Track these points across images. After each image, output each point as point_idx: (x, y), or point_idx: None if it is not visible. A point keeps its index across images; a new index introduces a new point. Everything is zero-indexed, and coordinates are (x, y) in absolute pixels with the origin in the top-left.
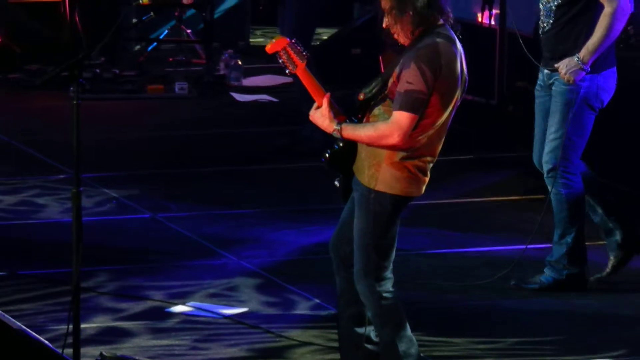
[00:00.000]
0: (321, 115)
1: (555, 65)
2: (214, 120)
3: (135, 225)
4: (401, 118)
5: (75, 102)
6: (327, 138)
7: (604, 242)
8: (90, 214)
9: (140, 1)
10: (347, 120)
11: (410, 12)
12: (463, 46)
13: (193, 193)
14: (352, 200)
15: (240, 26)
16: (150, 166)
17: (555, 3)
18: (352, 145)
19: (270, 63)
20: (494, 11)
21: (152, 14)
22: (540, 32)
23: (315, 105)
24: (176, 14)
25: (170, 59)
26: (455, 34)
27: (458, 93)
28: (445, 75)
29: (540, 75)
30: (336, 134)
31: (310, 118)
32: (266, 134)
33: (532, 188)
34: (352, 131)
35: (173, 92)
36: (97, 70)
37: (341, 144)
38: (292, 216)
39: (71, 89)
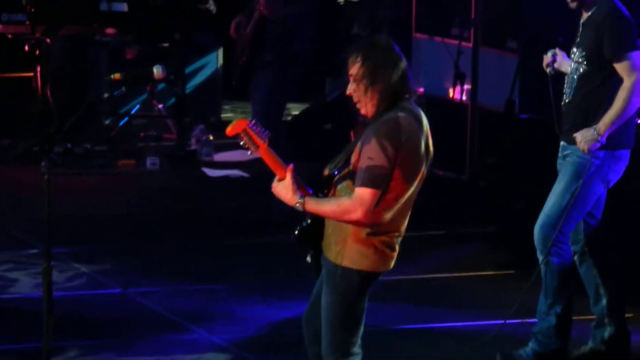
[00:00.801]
0: (283, 188)
1: (574, 135)
2: (185, 195)
3: (106, 300)
4: (363, 194)
5: (46, 177)
6: (296, 213)
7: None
8: (61, 288)
9: (112, 76)
10: (313, 195)
11: (383, 85)
12: (434, 121)
13: (164, 268)
14: (319, 284)
15: (211, 101)
16: (122, 241)
17: (578, 74)
18: (320, 221)
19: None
20: (466, 86)
21: (123, 88)
22: (562, 104)
23: (277, 177)
24: (148, 88)
25: (142, 134)
26: (421, 108)
27: (423, 168)
28: (407, 150)
29: (560, 148)
30: (299, 207)
31: (273, 190)
32: (237, 208)
33: (503, 263)
34: (315, 205)
35: (144, 167)
36: (69, 145)
37: (309, 220)
38: (265, 291)
39: (42, 163)
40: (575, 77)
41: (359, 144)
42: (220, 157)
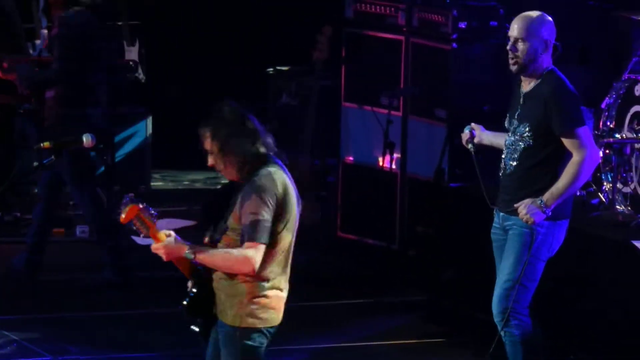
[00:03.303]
0: (168, 243)
1: (515, 205)
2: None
3: None
4: (252, 249)
5: None
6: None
7: None
8: None
9: (42, 144)
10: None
11: (238, 154)
12: (364, 190)
13: (94, 336)
14: (214, 342)
15: (141, 170)
16: (51, 309)
17: (523, 145)
18: (205, 289)
19: (171, 206)
20: (395, 155)
21: (52, 157)
22: (500, 174)
23: (153, 243)
24: None
25: (71, 203)
26: (282, 162)
27: (297, 217)
28: (285, 201)
29: (495, 218)
30: (189, 255)
31: (156, 250)
32: (169, 277)
33: (433, 332)
34: (204, 254)
35: (74, 235)
36: (17, 214)
37: (195, 290)
38: None
39: None
40: (519, 149)
41: (236, 206)
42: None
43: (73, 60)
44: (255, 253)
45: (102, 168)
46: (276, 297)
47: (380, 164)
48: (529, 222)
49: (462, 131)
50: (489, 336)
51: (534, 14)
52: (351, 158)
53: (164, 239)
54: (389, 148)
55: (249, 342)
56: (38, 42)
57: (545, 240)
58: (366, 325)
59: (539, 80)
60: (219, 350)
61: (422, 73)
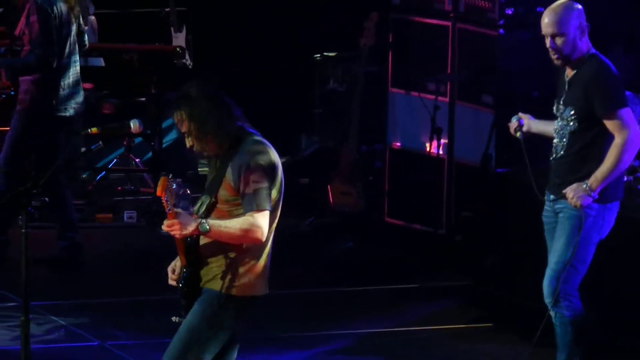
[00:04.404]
0: (181, 218)
1: (563, 191)
2: (162, 249)
3: (83, 353)
4: (260, 217)
5: (23, 230)
6: None
7: None
8: (39, 341)
9: (89, 130)
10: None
11: (216, 130)
12: (411, 175)
13: (141, 321)
14: None
15: (188, 155)
16: (99, 294)
17: (569, 129)
18: (196, 268)
19: None
20: (442, 141)
21: (100, 143)
22: (551, 158)
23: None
24: (125, 143)
25: (119, 188)
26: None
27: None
28: (276, 167)
29: (546, 201)
30: (205, 227)
31: (170, 227)
32: None
33: (479, 317)
34: (218, 226)
35: (122, 220)
36: (46, 199)
37: (185, 270)
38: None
39: (20, 217)
40: (566, 133)
41: (227, 176)
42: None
43: (52, 45)
44: (264, 220)
45: (150, 154)
46: (265, 267)
47: (427, 149)
48: (577, 206)
49: (510, 120)
50: (535, 322)
51: (560, 4)
52: (398, 144)
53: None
54: (436, 134)
55: (238, 309)
56: (86, 28)
57: (595, 223)
58: (411, 310)
59: (582, 65)
60: None
61: (468, 59)
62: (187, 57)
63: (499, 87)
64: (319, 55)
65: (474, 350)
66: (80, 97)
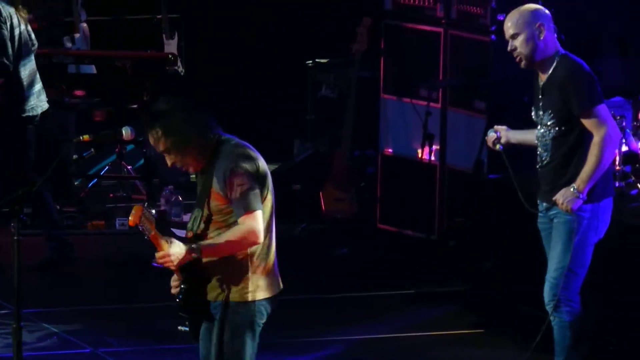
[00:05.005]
0: (173, 248)
1: (553, 199)
2: (154, 257)
3: None
4: (251, 219)
5: (15, 237)
6: None
7: None
8: (32, 349)
9: (81, 137)
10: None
11: (193, 143)
12: (404, 181)
13: (133, 328)
14: (204, 339)
15: None
16: (92, 301)
17: (551, 136)
18: (195, 281)
19: None
20: (434, 147)
21: (92, 150)
22: (537, 166)
23: (158, 252)
24: (117, 150)
25: (111, 195)
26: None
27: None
28: (260, 165)
29: (540, 208)
30: (197, 254)
31: (162, 260)
32: None
33: (473, 322)
34: (210, 246)
35: (114, 228)
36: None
37: (184, 286)
38: None
39: (12, 224)
40: (549, 140)
41: (214, 186)
42: (189, 217)
43: (6, 49)
44: (255, 222)
45: (142, 161)
46: (274, 266)
47: (420, 155)
48: (569, 211)
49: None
50: (530, 327)
51: (519, 7)
52: (390, 150)
53: (166, 248)
54: (428, 140)
55: (259, 315)
56: (77, 35)
57: (590, 225)
58: (406, 316)
59: (553, 67)
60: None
61: (461, 65)
62: (179, 64)
63: (491, 92)
64: (311, 61)
65: (468, 356)
66: (42, 95)
